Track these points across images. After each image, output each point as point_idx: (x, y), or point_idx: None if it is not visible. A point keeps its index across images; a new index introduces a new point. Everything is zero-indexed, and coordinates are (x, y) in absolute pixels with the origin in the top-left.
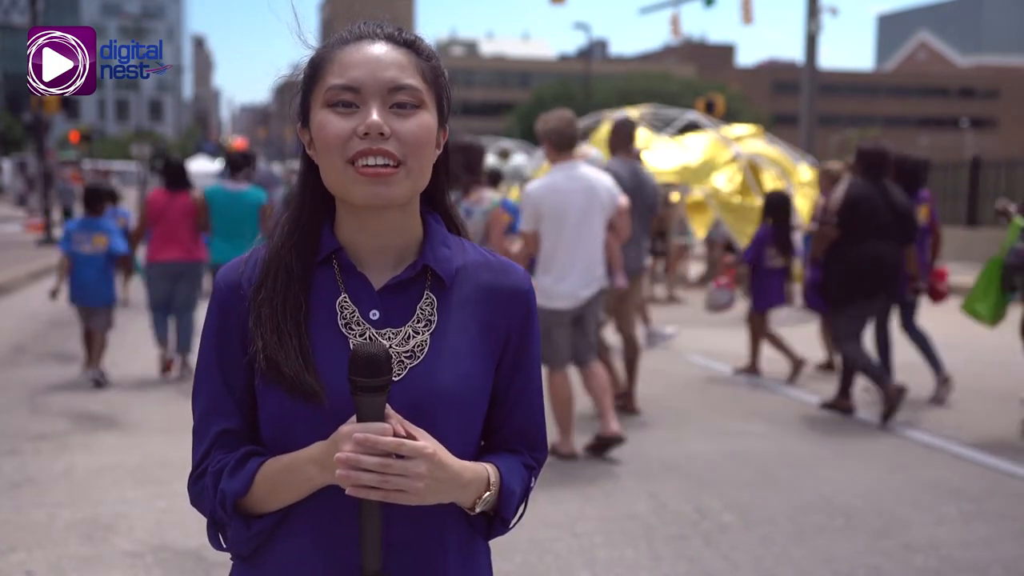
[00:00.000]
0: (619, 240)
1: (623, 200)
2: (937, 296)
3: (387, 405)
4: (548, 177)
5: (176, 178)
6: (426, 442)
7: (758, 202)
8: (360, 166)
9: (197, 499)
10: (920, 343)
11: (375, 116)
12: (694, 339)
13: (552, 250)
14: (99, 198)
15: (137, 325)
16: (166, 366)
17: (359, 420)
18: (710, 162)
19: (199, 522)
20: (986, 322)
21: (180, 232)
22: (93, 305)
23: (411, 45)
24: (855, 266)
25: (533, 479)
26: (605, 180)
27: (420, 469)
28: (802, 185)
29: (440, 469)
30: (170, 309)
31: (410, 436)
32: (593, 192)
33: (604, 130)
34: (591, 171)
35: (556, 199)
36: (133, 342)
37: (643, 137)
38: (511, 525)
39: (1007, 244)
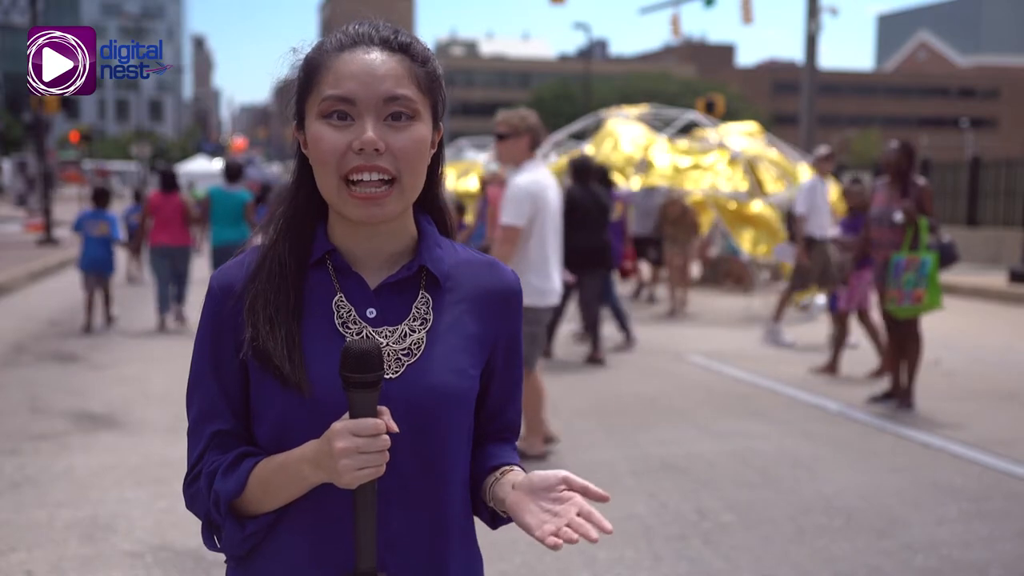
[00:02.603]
0: None
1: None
2: (624, 272)
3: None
4: (534, 173)
5: (168, 183)
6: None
7: (754, 208)
8: (353, 188)
9: (192, 501)
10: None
11: (370, 132)
12: (694, 339)
13: (542, 246)
14: (105, 196)
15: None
16: (162, 323)
17: (351, 416)
18: (700, 165)
19: (199, 522)
20: (938, 308)
21: (172, 223)
22: (98, 272)
23: (406, 49)
24: (574, 252)
25: None
26: (554, 181)
27: None
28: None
29: None
30: (170, 279)
31: None
32: (556, 190)
33: (607, 130)
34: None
35: (543, 195)
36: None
37: (642, 136)
38: None
39: (924, 243)
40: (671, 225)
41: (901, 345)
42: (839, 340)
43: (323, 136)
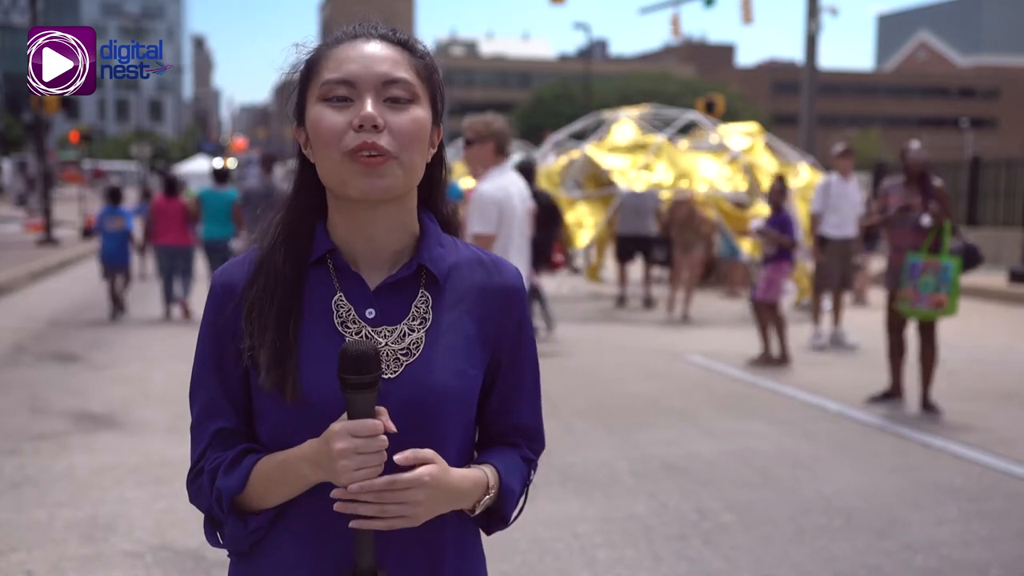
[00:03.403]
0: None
1: (531, 204)
2: (555, 265)
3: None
4: (499, 179)
5: (171, 187)
6: (424, 469)
7: (751, 209)
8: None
9: (195, 497)
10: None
11: (369, 108)
12: (694, 339)
13: (504, 251)
14: (118, 194)
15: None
16: (167, 313)
17: (349, 417)
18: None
19: (199, 522)
20: (954, 314)
21: (174, 225)
22: (116, 265)
23: (405, 44)
24: None
25: (532, 471)
26: (523, 184)
27: (418, 497)
28: (801, 187)
29: (438, 490)
30: (173, 275)
31: (414, 453)
32: (522, 196)
33: (611, 132)
34: (515, 175)
35: (509, 202)
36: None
37: (633, 135)
38: (511, 521)
39: (946, 246)
40: (679, 228)
41: (906, 347)
42: (778, 329)
43: (323, 117)
